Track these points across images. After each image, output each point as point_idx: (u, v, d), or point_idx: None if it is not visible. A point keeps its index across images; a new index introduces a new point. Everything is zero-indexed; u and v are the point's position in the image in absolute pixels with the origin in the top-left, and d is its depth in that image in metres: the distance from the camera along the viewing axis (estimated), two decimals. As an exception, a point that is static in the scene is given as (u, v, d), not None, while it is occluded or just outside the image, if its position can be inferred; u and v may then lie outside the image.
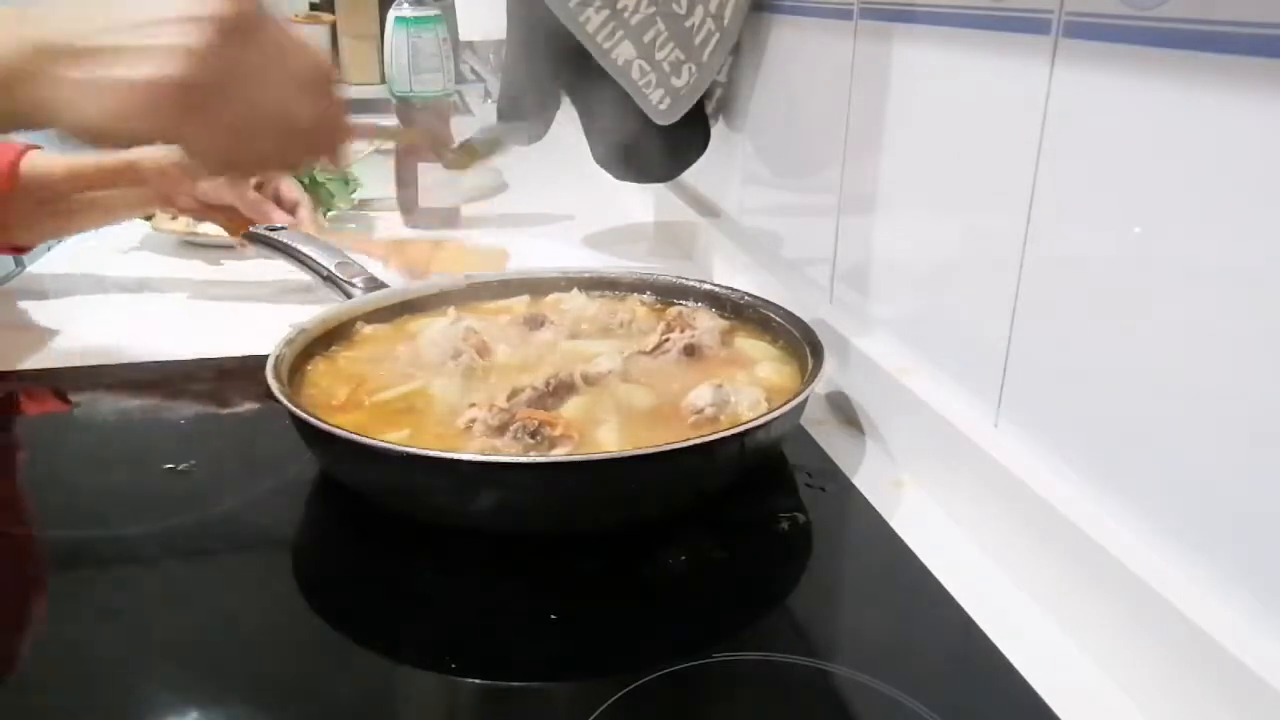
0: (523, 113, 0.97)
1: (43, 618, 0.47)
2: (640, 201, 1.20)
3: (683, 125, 0.86)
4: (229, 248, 0.97)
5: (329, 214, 1.13)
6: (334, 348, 0.66)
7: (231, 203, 0.90)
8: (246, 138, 0.45)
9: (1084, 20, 0.45)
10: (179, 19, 0.42)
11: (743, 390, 0.58)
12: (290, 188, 0.97)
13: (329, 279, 0.79)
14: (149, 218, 1.04)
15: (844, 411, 0.68)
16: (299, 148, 0.49)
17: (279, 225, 0.87)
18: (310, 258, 0.81)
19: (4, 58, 0.41)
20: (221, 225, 0.93)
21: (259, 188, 0.93)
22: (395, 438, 0.53)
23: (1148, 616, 0.40)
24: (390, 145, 1.19)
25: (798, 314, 0.67)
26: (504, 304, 0.75)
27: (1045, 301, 0.49)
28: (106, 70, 0.41)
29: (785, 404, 0.54)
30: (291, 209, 0.95)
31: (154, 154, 0.84)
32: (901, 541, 0.52)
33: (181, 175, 0.85)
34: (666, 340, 0.66)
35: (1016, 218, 0.50)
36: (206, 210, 0.91)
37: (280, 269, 0.86)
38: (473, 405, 0.56)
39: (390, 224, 1.18)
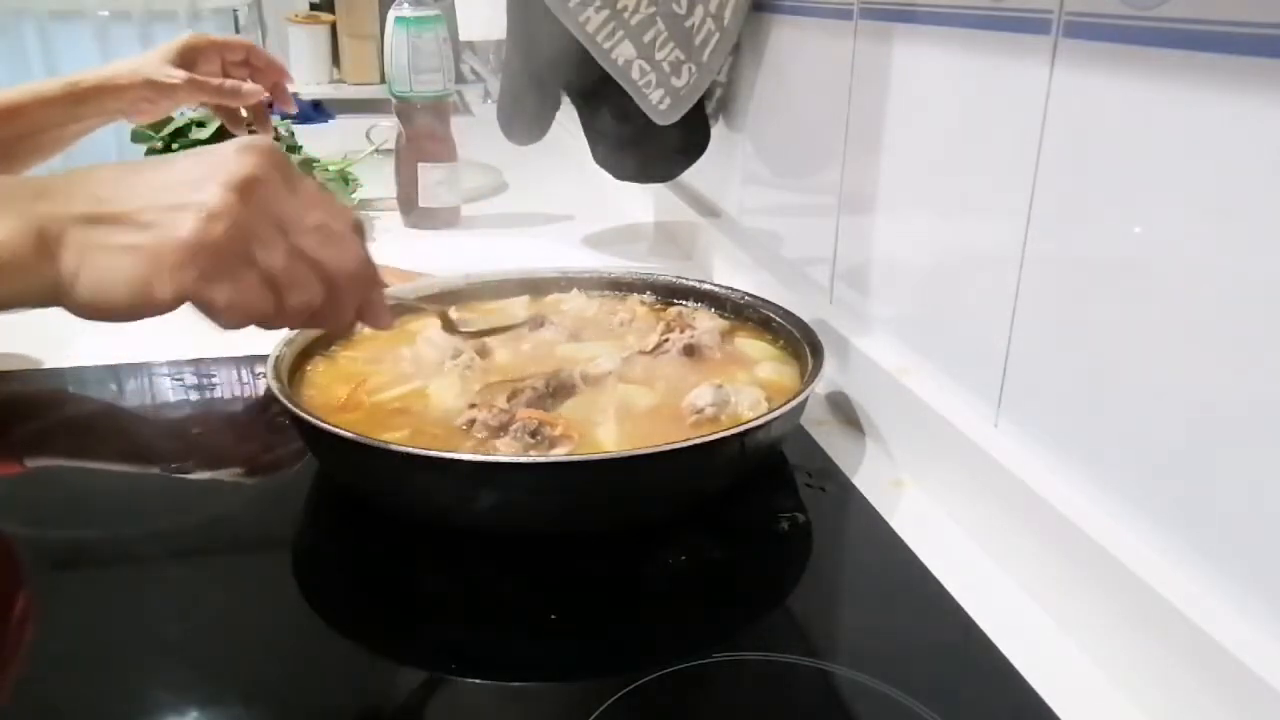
0: (522, 113, 0.97)
1: (42, 618, 0.47)
2: (640, 201, 1.20)
3: (683, 125, 0.86)
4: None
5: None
6: (334, 348, 0.66)
7: (189, 101, 0.92)
8: (279, 287, 0.44)
9: (1084, 20, 0.45)
10: (202, 179, 0.42)
11: (743, 390, 0.58)
12: (260, 55, 0.97)
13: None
14: None
15: (844, 411, 0.68)
16: (333, 301, 0.47)
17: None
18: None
19: (22, 235, 0.41)
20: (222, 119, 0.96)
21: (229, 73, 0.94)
22: (395, 438, 0.53)
23: (1148, 616, 0.40)
24: (390, 145, 1.19)
25: (798, 314, 0.67)
26: (504, 304, 0.75)
27: (1045, 302, 0.49)
28: (132, 236, 0.41)
29: (785, 404, 0.54)
30: (270, 80, 0.96)
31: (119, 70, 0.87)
32: (901, 541, 0.52)
33: (145, 87, 0.87)
34: (666, 340, 0.66)
35: (1016, 218, 0.50)
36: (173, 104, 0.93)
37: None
38: (473, 405, 0.56)
39: (390, 224, 1.19)
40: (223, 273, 0.42)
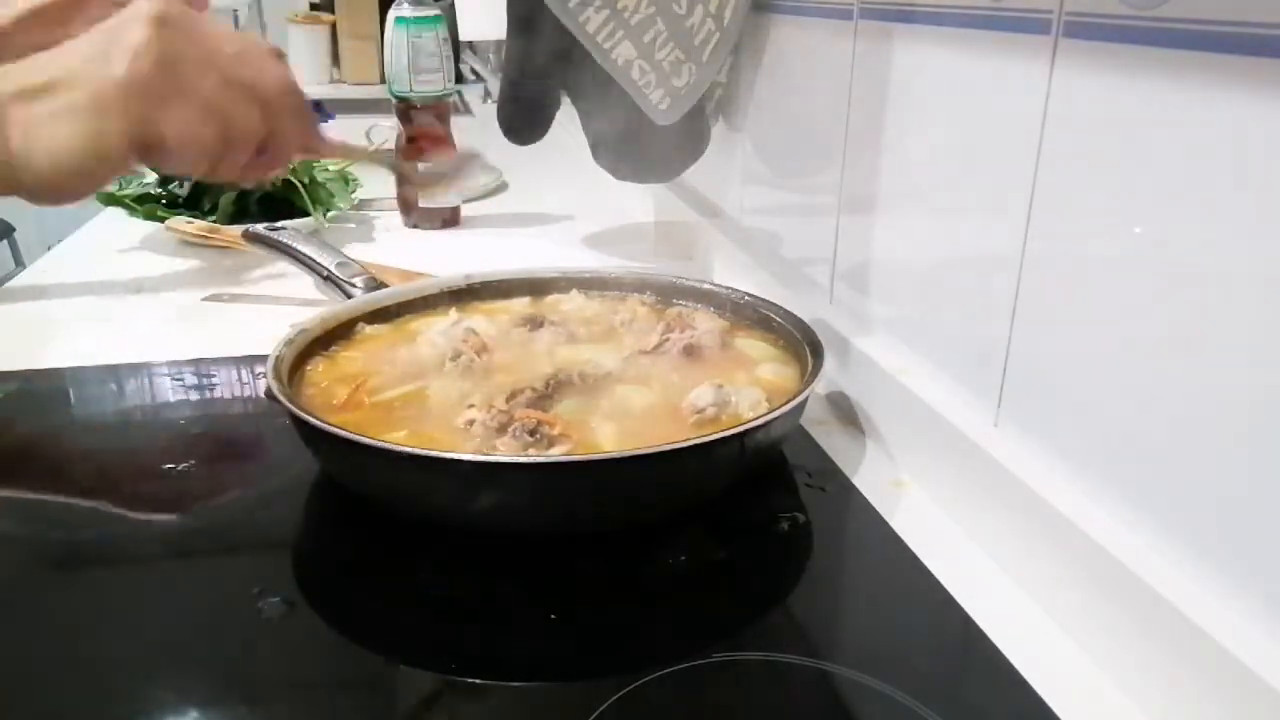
0: (522, 113, 0.97)
1: (42, 618, 0.47)
2: (640, 201, 1.20)
3: (683, 125, 0.86)
4: (229, 248, 0.97)
5: (329, 214, 1.13)
6: (334, 348, 0.66)
7: None
8: (220, 113, 0.46)
9: (1084, 20, 0.45)
10: (115, 26, 0.44)
11: (743, 390, 0.58)
12: None
13: (329, 279, 0.79)
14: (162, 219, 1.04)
15: (844, 411, 0.68)
16: (273, 126, 0.49)
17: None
18: (310, 258, 0.81)
19: None
20: None
21: None
22: (395, 438, 0.53)
23: (1148, 616, 0.40)
24: (390, 145, 1.20)
25: (798, 314, 0.67)
26: (503, 304, 0.75)
27: (1045, 301, 0.49)
28: (69, 95, 0.43)
29: (785, 404, 0.54)
30: None
31: None
32: (901, 541, 0.52)
33: None
34: (666, 340, 0.66)
35: (1016, 218, 0.50)
36: None
37: (281, 269, 0.86)
38: (472, 406, 0.56)
39: (390, 224, 1.19)
40: (164, 102, 0.44)
